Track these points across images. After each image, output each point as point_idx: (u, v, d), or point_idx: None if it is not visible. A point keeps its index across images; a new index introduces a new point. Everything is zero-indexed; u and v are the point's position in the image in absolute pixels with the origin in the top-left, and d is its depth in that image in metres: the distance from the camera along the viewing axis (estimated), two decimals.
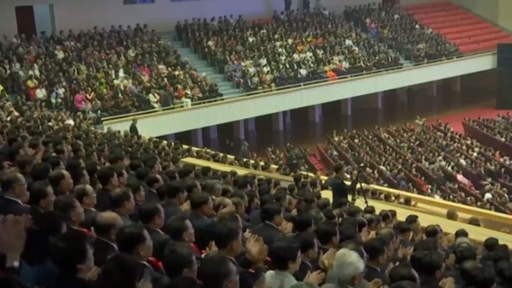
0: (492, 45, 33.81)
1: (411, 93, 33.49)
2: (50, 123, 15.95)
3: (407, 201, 13.87)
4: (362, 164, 18.82)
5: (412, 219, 8.04)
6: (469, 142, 25.15)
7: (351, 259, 3.90)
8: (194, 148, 18.39)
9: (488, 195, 18.75)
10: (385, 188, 16.87)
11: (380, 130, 27.05)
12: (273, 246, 4.15)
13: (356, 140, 25.65)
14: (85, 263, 3.41)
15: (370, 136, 26.37)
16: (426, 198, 16.49)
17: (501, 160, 22.83)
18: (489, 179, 20.58)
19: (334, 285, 3.93)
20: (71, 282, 3.33)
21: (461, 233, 7.71)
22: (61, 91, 20.89)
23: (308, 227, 5.48)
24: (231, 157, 17.70)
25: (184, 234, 4.38)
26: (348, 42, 30.85)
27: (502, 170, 21.61)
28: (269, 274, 4.08)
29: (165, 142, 17.13)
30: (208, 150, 17.63)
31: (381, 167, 21.75)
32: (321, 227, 5.32)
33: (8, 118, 14.74)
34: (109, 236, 4.15)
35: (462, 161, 22.50)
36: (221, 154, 17.42)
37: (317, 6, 33.17)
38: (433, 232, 7.23)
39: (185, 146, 17.85)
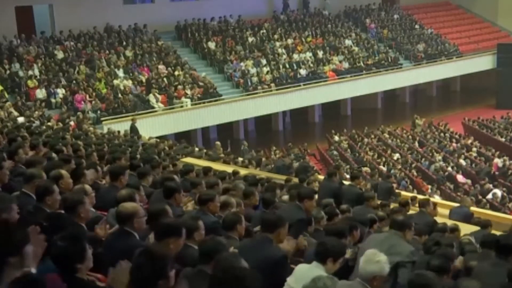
0: (492, 45, 33.83)
1: (411, 93, 33.56)
2: (50, 123, 15.98)
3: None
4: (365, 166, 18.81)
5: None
6: (469, 142, 25.15)
7: (379, 258, 3.96)
8: (196, 149, 18.37)
9: (489, 196, 18.71)
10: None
11: (380, 130, 27.03)
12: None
13: (360, 140, 25.63)
14: (84, 263, 3.44)
15: (372, 136, 26.34)
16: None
17: (501, 160, 22.76)
18: (488, 180, 20.52)
19: (356, 281, 3.95)
20: (70, 281, 3.34)
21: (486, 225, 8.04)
22: (60, 91, 20.91)
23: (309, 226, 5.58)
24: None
25: (195, 234, 4.47)
26: (348, 42, 30.86)
27: (510, 172, 21.43)
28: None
29: (169, 141, 17.10)
30: (210, 153, 17.59)
31: (381, 167, 21.73)
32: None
33: (8, 118, 14.75)
34: (131, 225, 4.27)
35: (462, 161, 22.49)
36: (222, 154, 17.41)
37: (322, 6, 33.16)
38: (454, 228, 7.58)
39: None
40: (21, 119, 15.99)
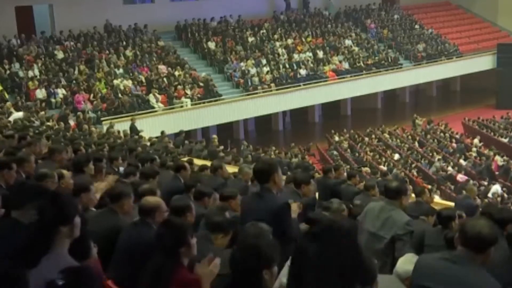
0: (492, 45, 33.81)
1: (412, 93, 33.54)
2: (50, 123, 15.97)
3: None
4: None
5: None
6: (468, 142, 25.15)
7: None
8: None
9: (489, 195, 18.70)
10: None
11: (380, 129, 27.02)
12: None
13: (360, 141, 25.62)
14: (88, 260, 3.45)
15: (372, 136, 26.33)
16: None
17: (501, 159, 22.76)
18: (489, 180, 20.52)
19: (393, 276, 4.09)
20: None
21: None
22: (60, 91, 20.90)
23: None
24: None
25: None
26: (348, 42, 30.85)
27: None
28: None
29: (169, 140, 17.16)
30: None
31: (381, 167, 21.72)
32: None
33: (11, 120, 14.76)
34: (153, 218, 4.37)
35: (462, 161, 22.50)
36: (221, 154, 17.42)
37: (325, 6, 33.19)
38: (460, 215, 7.79)
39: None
40: (19, 114, 16.02)
